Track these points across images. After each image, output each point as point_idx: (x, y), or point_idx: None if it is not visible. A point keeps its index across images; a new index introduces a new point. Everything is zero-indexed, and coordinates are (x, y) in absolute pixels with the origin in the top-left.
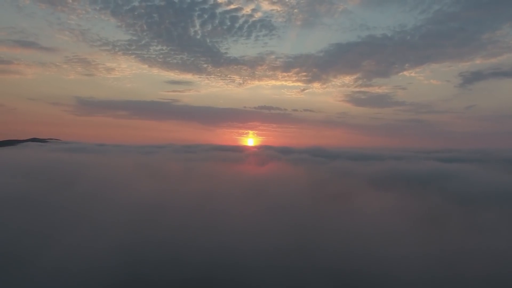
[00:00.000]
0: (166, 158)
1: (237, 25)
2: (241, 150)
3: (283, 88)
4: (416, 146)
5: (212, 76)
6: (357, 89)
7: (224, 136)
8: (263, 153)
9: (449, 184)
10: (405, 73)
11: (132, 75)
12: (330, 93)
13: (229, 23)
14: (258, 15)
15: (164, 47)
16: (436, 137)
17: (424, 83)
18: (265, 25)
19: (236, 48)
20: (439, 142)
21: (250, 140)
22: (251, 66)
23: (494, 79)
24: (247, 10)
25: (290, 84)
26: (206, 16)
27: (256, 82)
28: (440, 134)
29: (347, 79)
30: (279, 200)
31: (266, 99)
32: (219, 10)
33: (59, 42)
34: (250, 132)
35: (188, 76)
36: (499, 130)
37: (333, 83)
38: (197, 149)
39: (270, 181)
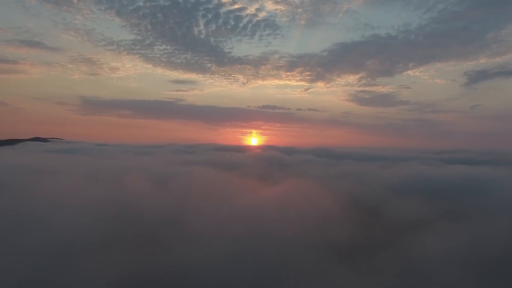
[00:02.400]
0: (160, 160)
1: (241, 24)
2: (243, 150)
3: (286, 88)
4: (421, 145)
5: (216, 75)
6: (361, 89)
7: (228, 135)
8: (267, 155)
9: (504, 196)
10: (410, 72)
11: (136, 74)
12: (334, 93)
13: (233, 23)
14: (262, 14)
15: (168, 47)
16: (441, 137)
17: (429, 82)
18: (269, 24)
19: (240, 47)
20: (443, 142)
21: (254, 139)
22: (255, 65)
23: (499, 78)
24: (251, 9)
25: (294, 83)
26: (210, 15)
27: (260, 82)
28: (445, 133)
29: (351, 78)
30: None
31: (270, 99)
32: (223, 9)
33: (64, 42)
34: (254, 131)
35: (192, 76)
36: (504, 130)
37: (337, 82)
38: (198, 149)
39: (277, 201)
